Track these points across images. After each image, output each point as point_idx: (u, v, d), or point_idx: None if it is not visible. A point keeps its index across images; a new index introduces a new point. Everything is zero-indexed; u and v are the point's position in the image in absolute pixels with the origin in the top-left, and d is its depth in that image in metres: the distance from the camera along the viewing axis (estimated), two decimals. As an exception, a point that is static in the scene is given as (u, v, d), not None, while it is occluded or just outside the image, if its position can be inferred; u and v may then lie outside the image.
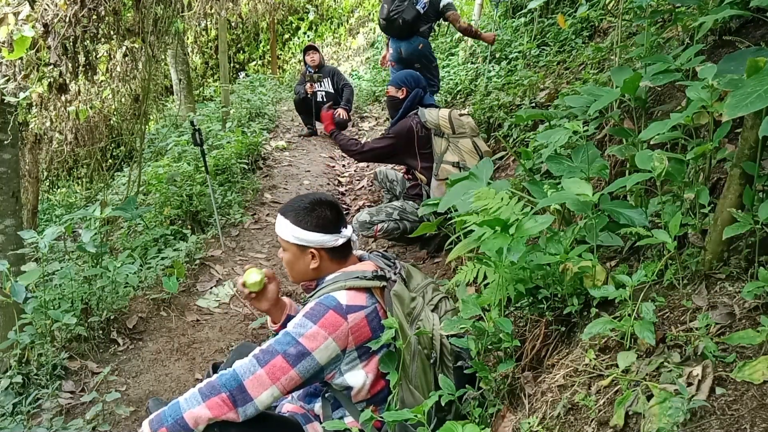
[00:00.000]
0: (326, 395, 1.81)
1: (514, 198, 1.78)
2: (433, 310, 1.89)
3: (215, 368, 2.13)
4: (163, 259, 3.61)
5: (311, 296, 1.78)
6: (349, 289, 1.72)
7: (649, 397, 1.28)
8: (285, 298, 2.07)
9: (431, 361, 1.76)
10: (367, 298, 1.73)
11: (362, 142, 3.76)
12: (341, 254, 1.85)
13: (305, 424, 1.79)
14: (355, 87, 8.76)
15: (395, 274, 1.83)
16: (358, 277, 1.75)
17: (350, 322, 1.67)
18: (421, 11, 4.88)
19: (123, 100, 5.94)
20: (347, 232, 1.84)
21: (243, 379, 1.58)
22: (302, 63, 7.19)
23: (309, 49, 6.92)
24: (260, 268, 1.97)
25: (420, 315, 1.80)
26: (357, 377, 1.70)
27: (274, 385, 1.58)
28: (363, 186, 5.62)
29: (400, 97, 3.67)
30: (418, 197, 3.70)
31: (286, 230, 1.81)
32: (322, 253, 1.81)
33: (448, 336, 1.81)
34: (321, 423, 1.80)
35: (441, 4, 4.92)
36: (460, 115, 3.62)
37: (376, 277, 1.78)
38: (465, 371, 1.80)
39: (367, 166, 5.99)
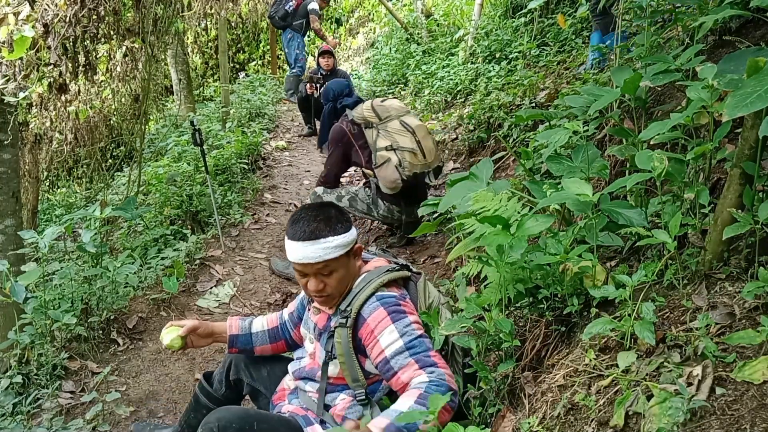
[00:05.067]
0: (374, 399, 1.76)
1: (513, 199, 1.78)
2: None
3: (207, 378, 2.10)
4: (163, 259, 3.61)
5: (345, 302, 1.71)
6: (386, 285, 1.72)
7: (649, 397, 1.28)
8: (218, 324, 2.02)
9: (443, 355, 1.77)
10: (399, 288, 1.76)
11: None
12: None
13: (306, 426, 1.75)
14: (355, 87, 8.77)
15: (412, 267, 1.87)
16: (389, 270, 1.75)
17: (411, 305, 1.72)
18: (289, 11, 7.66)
19: (123, 100, 5.95)
20: None
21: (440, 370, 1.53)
22: (315, 62, 7.31)
23: (324, 53, 7.07)
24: (177, 328, 1.92)
25: (437, 306, 1.85)
26: None
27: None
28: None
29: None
30: (369, 188, 3.82)
31: (330, 248, 1.65)
32: (359, 247, 1.78)
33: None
34: (324, 425, 1.77)
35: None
36: (382, 101, 3.72)
37: (403, 267, 1.81)
38: (465, 371, 1.80)
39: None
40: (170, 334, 1.91)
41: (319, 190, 3.80)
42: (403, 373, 1.55)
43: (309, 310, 1.89)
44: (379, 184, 3.62)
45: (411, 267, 1.87)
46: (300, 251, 1.65)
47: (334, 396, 1.78)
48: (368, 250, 1.93)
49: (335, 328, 1.71)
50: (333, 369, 1.75)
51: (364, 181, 3.84)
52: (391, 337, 1.59)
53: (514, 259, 1.68)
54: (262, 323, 2.04)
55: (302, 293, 1.99)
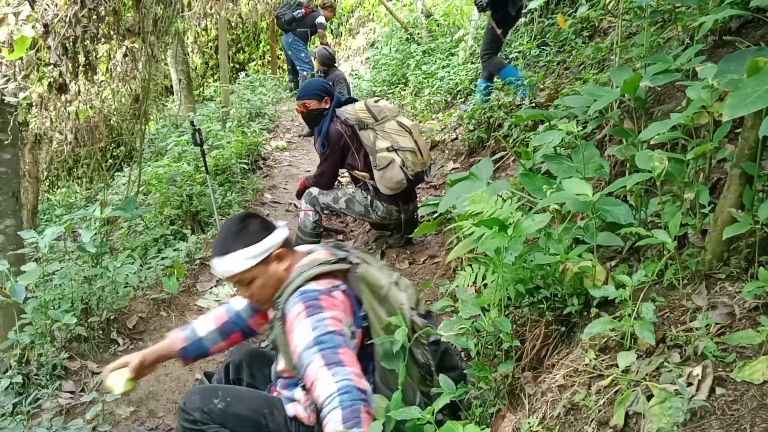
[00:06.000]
0: None
1: (508, 201, 1.77)
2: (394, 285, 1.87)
3: (208, 376, 2.12)
4: (163, 259, 3.61)
5: (278, 300, 1.72)
6: (315, 278, 1.69)
7: (649, 397, 1.28)
8: (160, 346, 1.98)
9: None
10: (334, 280, 1.72)
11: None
12: (293, 246, 1.86)
13: (286, 404, 1.80)
14: (355, 87, 8.78)
15: (356, 258, 1.82)
16: (321, 263, 1.73)
17: (339, 298, 1.68)
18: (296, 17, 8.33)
19: (123, 100, 5.94)
20: (281, 223, 1.85)
21: (344, 373, 1.49)
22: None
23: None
24: (121, 371, 1.82)
25: (389, 295, 1.79)
26: None
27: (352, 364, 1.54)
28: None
29: (327, 107, 3.70)
30: (369, 190, 3.74)
31: (240, 261, 1.72)
32: (282, 251, 1.78)
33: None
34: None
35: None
36: (375, 102, 3.67)
37: (339, 260, 1.77)
38: (464, 371, 1.79)
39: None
40: (119, 380, 1.81)
41: (315, 191, 3.72)
42: (310, 369, 1.52)
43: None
44: (379, 185, 3.59)
45: (351, 258, 1.81)
46: (216, 267, 1.77)
47: (291, 392, 1.80)
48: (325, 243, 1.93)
49: (273, 321, 1.76)
50: (281, 362, 1.80)
51: (360, 183, 3.76)
52: (303, 331, 1.58)
53: (511, 261, 1.67)
54: (208, 324, 2.01)
55: None
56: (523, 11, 5.16)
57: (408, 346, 1.69)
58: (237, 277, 1.74)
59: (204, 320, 2.03)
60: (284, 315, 1.67)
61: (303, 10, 8.45)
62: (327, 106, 3.69)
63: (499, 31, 4.96)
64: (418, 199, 3.96)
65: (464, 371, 1.91)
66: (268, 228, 1.78)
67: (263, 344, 1.86)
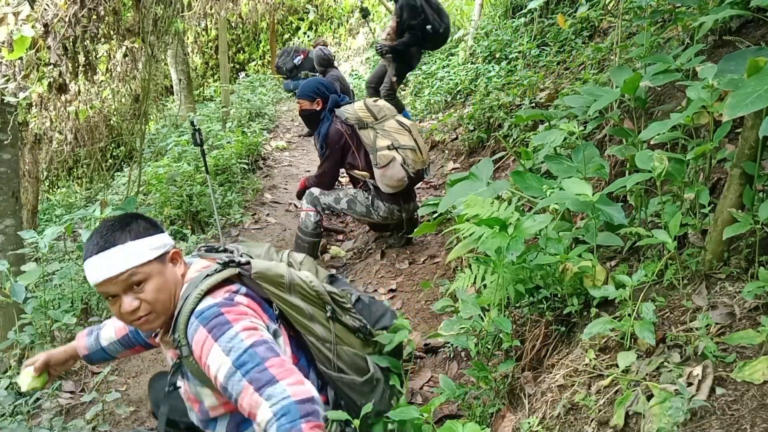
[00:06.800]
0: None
1: (504, 203, 1.77)
2: (289, 267, 1.71)
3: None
4: (163, 259, 3.60)
5: (175, 327, 1.44)
6: (207, 293, 1.45)
7: (649, 397, 1.28)
8: (69, 347, 1.88)
9: (328, 314, 1.64)
10: (230, 286, 1.51)
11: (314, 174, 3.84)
12: None
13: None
14: (355, 87, 8.79)
15: (239, 255, 1.61)
16: (207, 276, 1.48)
17: (243, 302, 1.46)
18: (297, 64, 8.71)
19: (123, 100, 5.95)
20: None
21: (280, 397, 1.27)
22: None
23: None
24: (29, 369, 1.79)
25: (293, 280, 1.61)
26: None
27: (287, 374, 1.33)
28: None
29: (318, 109, 3.68)
30: (370, 190, 3.73)
31: (134, 253, 1.42)
32: (177, 252, 1.54)
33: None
34: None
35: None
36: (374, 101, 3.68)
37: (224, 264, 1.53)
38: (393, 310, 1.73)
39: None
40: (26, 377, 1.78)
41: (316, 191, 3.70)
42: (242, 400, 1.31)
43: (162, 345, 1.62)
44: (380, 184, 3.60)
45: (236, 258, 1.58)
46: (96, 267, 1.41)
47: (222, 429, 1.56)
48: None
49: (180, 360, 1.48)
50: (208, 400, 1.52)
51: (360, 184, 3.75)
52: (217, 359, 1.34)
53: (512, 261, 1.67)
54: (109, 334, 1.85)
55: None
56: (523, 11, 5.26)
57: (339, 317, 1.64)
58: (127, 275, 1.41)
59: (108, 327, 1.87)
60: (189, 346, 1.42)
61: (301, 55, 8.65)
62: (318, 108, 3.67)
63: (394, 79, 5.50)
64: (418, 198, 3.97)
65: (393, 310, 1.84)
66: (157, 226, 1.52)
67: (166, 389, 1.55)
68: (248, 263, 1.56)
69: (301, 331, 1.59)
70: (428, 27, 5.28)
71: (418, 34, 5.31)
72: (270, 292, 1.54)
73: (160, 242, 1.48)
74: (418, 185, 4.47)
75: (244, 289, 1.51)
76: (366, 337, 1.72)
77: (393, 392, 1.73)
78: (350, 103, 3.77)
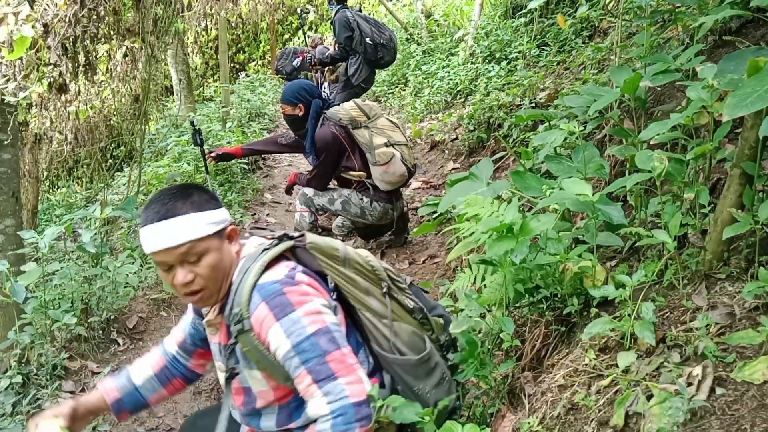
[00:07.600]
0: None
1: (504, 204, 1.77)
2: None
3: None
4: (163, 259, 3.60)
5: (229, 304, 1.43)
6: (266, 269, 1.43)
7: (649, 397, 1.28)
8: (91, 399, 1.62)
9: (384, 290, 1.57)
10: (288, 262, 1.48)
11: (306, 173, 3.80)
12: None
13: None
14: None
15: (291, 232, 1.59)
16: (265, 250, 1.46)
17: (304, 281, 1.43)
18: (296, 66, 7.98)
19: (123, 100, 5.95)
20: None
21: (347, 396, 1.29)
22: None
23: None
24: (54, 421, 1.46)
25: (348, 254, 1.56)
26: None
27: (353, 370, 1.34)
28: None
29: (300, 114, 3.64)
30: (365, 190, 3.71)
31: (195, 225, 1.37)
32: (235, 230, 1.50)
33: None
34: None
35: None
36: (363, 101, 3.71)
37: (279, 239, 1.52)
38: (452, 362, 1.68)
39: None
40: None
41: (309, 192, 3.68)
42: (299, 384, 1.34)
43: (208, 333, 1.56)
44: (379, 182, 3.60)
45: (290, 233, 1.56)
46: (154, 235, 1.36)
47: (271, 423, 1.51)
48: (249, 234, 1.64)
49: (237, 336, 1.42)
50: (257, 384, 1.47)
51: (354, 185, 3.71)
52: (277, 337, 1.34)
53: (517, 262, 1.66)
54: (146, 370, 1.68)
55: (186, 315, 1.69)
56: (523, 11, 5.26)
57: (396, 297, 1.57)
58: (186, 248, 1.36)
59: (142, 364, 1.70)
60: (249, 321, 1.40)
61: (299, 57, 8.74)
62: (301, 114, 3.63)
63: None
64: (418, 199, 3.98)
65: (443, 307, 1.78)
66: (217, 200, 1.47)
67: (224, 375, 1.51)
68: (302, 236, 1.54)
69: (357, 306, 1.52)
70: (367, 40, 5.29)
71: (348, 50, 5.36)
72: (325, 264, 1.50)
73: (220, 217, 1.44)
74: (418, 185, 4.47)
75: (299, 267, 1.47)
76: (422, 320, 1.61)
77: (457, 387, 1.62)
78: (334, 105, 3.75)
